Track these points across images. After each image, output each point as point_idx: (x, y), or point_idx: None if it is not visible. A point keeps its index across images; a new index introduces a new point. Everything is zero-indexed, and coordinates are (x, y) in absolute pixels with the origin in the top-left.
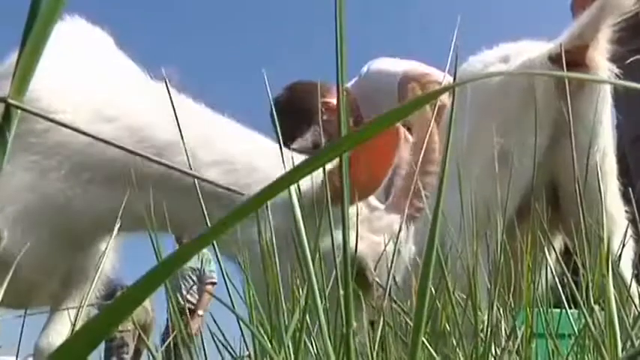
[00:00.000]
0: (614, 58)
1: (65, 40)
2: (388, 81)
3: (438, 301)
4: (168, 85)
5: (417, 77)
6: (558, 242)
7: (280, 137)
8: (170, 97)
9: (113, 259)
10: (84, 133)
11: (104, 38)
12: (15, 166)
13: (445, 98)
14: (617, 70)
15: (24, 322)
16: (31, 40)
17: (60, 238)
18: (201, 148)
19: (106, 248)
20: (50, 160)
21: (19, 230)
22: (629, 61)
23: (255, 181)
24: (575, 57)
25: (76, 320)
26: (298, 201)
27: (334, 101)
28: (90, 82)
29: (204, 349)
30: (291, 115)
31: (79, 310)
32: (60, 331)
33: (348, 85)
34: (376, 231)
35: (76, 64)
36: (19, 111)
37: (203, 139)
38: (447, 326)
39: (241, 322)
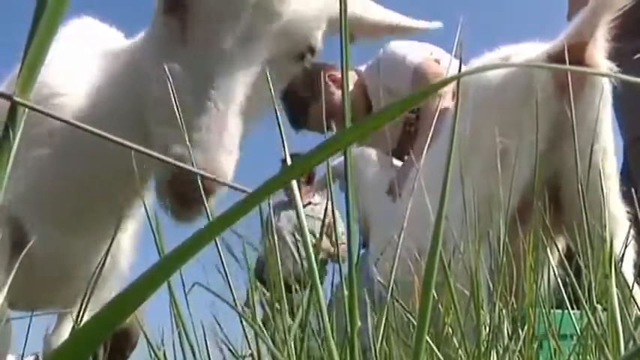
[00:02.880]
0: (611, 57)
1: (74, 37)
2: (401, 72)
3: (440, 304)
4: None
5: (428, 77)
6: (561, 244)
7: (291, 118)
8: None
9: (130, 256)
10: (93, 132)
11: (114, 34)
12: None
13: (448, 99)
14: (616, 69)
15: (30, 322)
16: (37, 39)
17: (94, 224)
18: None
19: (110, 242)
20: (72, 143)
21: (51, 221)
22: (637, 57)
23: None
24: (573, 55)
25: (80, 320)
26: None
27: (337, 74)
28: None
29: (207, 348)
30: (298, 95)
31: (79, 312)
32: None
33: (362, 67)
34: None
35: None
36: (24, 109)
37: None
38: (450, 327)
39: (244, 321)
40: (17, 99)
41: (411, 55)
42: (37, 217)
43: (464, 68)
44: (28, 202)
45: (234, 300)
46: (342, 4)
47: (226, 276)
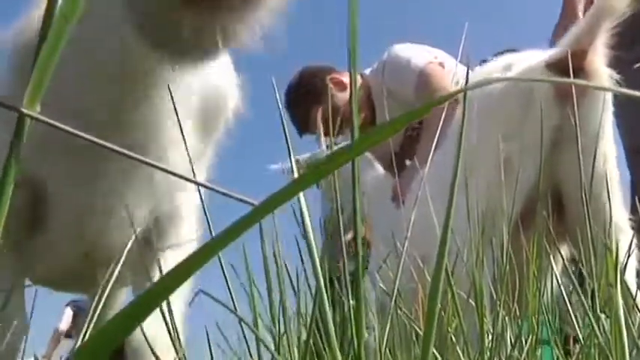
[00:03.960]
0: (612, 64)
1: None
2: (406, 75)
3: (443, 311)
4: None
5: (432, 81)
6: (564, 251)
7: (295, 122)
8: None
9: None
10: (93, 142)
11: None
12: None
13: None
14: (616, 76)
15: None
16: (46, 49)
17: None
18: None
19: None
20: None
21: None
22: (637, 66)
23: None
24: (574, 62)
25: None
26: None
27: (339, 76)
28: None
29: (210, 354)
30: (302, 99)
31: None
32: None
33: (367, 71)
34: None
35: None
36: (31, 120)
37: None
38: (453, 334)
39: (245, 327)
40: (25, 111)
41: (415, 59)
42: (53, 166)
43: (469, 75)
44: (39, 153)
45: (234, 306)
46: (351, 6)
47: (226, 281)
